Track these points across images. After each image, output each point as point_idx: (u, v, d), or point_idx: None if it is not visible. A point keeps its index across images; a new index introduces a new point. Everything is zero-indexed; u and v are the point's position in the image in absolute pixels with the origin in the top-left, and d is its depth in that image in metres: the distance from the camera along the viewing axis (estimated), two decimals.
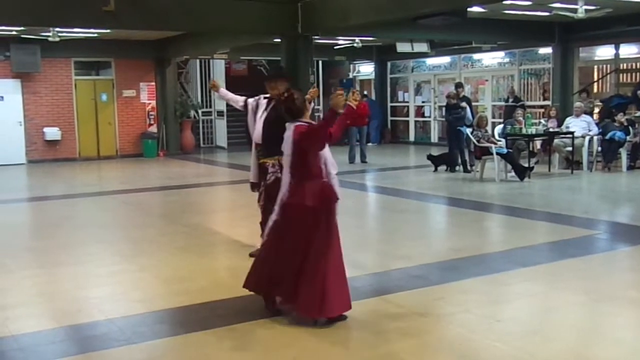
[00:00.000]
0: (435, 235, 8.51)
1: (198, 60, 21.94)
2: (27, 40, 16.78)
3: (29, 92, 18.05)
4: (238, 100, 6.99)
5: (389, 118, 23.13)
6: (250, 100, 6.72)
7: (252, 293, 5.12)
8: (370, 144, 18.23)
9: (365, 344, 4.41)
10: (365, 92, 21.85)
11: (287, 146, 4.80)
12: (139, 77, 19.63)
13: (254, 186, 6.65)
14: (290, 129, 4.80)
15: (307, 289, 4.66)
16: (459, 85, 15.21)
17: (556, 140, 13.69)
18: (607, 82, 17.63)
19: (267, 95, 6.44)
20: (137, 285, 6.01)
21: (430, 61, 21.45)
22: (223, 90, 7.44)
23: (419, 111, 22.19)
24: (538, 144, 14.48)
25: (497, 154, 12.19)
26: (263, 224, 5.95)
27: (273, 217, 4.89)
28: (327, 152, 4.83)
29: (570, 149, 13.47)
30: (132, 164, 17.75)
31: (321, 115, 22.21)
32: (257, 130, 6.47)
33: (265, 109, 6.42)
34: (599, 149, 13.58)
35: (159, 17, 12.51)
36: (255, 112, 6.57)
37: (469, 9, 12.23)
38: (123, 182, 14.02)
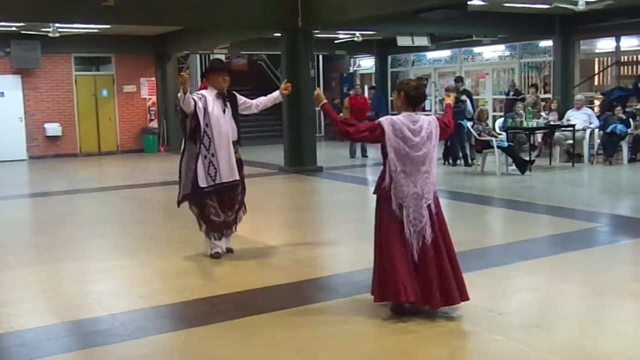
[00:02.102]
0: None
1: (198, 55, 21.91)
2: (27, 36, 16.78)
3: (30, 88, 18.04)
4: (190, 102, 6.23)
5: (390, 112, 23.10)
6: (195, 97, 6.22)
7: (252, 288, 5.13)
8: None
9: (367, 338, 4.41)
10: (374, 85, 21.82)
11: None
12: (140, 73, 19.62)
13: (236, 186, 6.51)
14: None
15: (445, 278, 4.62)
16: (458, 80, 15.20)
17: (557, 134, 13.68)
18: (608, 74, 17.59)
19: (204, 91, 6.33)
20: (139, 281, 6.02)
21: (431, 55, 21.42)
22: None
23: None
24: (539, 137, 14.46)
25: (498, 147, 12.18)
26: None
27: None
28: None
29: (571, 142, 13.45)
30: (133, 159, 17.75)
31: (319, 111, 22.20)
32: (232, 127, 6.43)
33: (225, 104, 6.37)
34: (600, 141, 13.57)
35: (159, 12, 12.51)
36: (205, 109, 6.20)
37: (469, 2, 12.22)
38: (124, 177, 14.02)
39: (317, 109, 6.12)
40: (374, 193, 4.84)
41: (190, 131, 6.35)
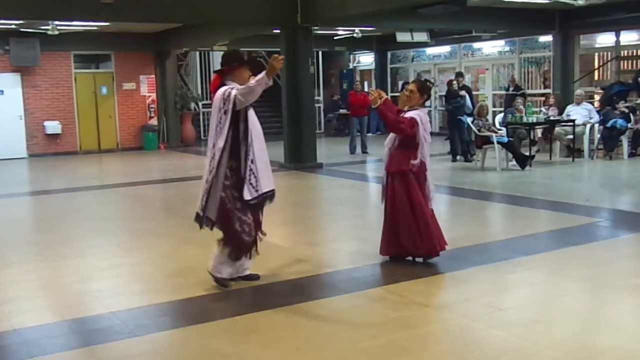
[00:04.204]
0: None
1: (198, 52, 21.91)
2: (26, 34, 16.76)
3: (29, 85, 18.03)
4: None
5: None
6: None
7: (252, 285, 5.14)
8: (370, 134, 18.21)
9: (367, 334, 4.41)
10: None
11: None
12: (139, 70, 19.60)
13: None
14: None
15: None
16: (458, 75, 15.20)
17: (557, 129, 13.67)
18: (608, 69, 17.58)
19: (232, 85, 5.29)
20: (139, 278, 6.02)
21: (430, 50, 21.39)
22: None
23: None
24: (539, 132, 14.46)
25: (498, 143, 12.17)
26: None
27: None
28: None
29: (571, 137, 13.45)
30: (132, 157, 17.74)
31: (322, 106, 22.21)
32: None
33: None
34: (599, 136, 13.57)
35: (158, 9, 12.50)
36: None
37: None
38: (124, 175, 14.03)
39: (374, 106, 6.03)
40: (402, 169, 5.93)
41: (238, 134, 5.25)
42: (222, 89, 5.26)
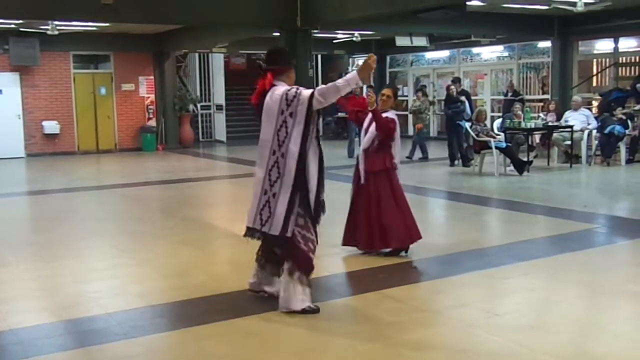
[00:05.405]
0: (434, 229, 8.50)
1: (197, 54, 21.90)
2: (26, 34, 16.75)
3: (28, 85, 18.02)
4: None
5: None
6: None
7: (249, 288, 5.14)
8: None
9: (364, 339, 4.40)
10: (372, 84, 21.82)
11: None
12: (138, 71, 19.59)
13: None
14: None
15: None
16: (455, 80, 15.23)
17: (555, 134, 13.68)
18: (606, 75, 17.61)
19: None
20: (136, 280, 6.01)
21: (430, 55, 21.41)
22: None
23: None
24: (537, 138, 14.48)
25: (496, 148, 12.19)
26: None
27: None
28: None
29: (569, 142, 13.47)
30: (131, 157, 17.73)
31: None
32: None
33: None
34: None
35: (158, 10, 12.49)
36: None
37: (468, 3, 12.22)
38: (122, 175, 14.01)
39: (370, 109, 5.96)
40: (387, 166, 6.37)
41: (306, 139, 4.70)
42: (281, 89, 4.72)
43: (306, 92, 4.66)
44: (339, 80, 4.64)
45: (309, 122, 4.64)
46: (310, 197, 4.72)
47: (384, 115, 6.33)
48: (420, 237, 6.44)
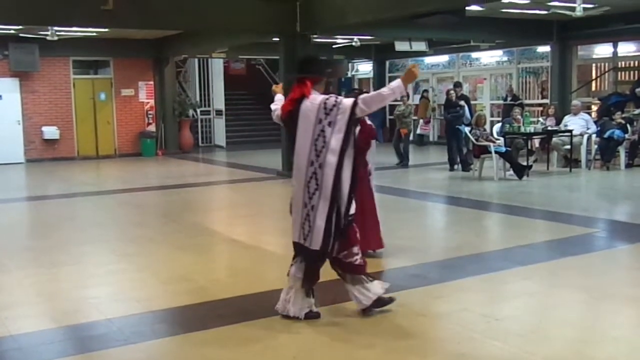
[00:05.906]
0: (434, 234, 8.51)
1: (196, 59, 21.93)
2: (26, 39, 16.76)
3: (28, 91, 18.03)
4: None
5: (387, 117, 23.12)
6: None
7: (250, 292, 5.13)
8: None
9: (364, 344, 4.40)
10: (365, 90, 21.85)
11: None
12: (138, 76, 19.60)
13: None
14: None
15: None
16: (456, 85, 15.24)
17: (554, 139, 13.70)
18: (605, 80, 17.63)
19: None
20: (136, 285, 6.00)
21: (429, 60, 21.43)
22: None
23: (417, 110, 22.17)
24: (536, 142, 14.49)
25: (496, 152, 12.20)
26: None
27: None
28: None
29: (568, 147, 13.48)
30: (130, 163, 17.73)
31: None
32: None
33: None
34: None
35: (158, 16, 12.51)
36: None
37: (467, 8, 12.23)
38: (122, 181, 14.01)
39: None
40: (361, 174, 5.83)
41: (346, 148, 4.64)
42: (318, 98, 4.67)
43: (347, 101, 4.62)
44: (384, 89, 4.63)
45: (349, 131, 4.59)
46: (341, 209, 4.62)
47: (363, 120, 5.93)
48: (380, 247, 6.53)
